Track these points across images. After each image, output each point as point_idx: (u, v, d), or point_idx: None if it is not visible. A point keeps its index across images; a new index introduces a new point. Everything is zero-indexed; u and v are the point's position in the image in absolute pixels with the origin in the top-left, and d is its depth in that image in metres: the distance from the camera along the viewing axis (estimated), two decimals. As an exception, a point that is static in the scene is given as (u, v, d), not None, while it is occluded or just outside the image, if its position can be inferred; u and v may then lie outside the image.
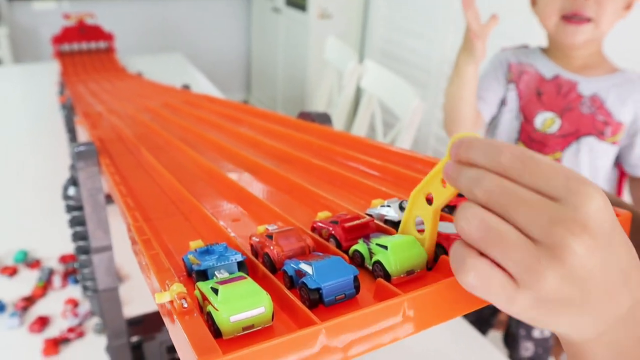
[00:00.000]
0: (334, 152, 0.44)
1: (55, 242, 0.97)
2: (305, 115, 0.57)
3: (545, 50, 1.03)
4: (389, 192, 0.33)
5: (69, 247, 0.94)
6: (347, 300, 0.23)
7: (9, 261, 0.92)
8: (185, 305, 0.21)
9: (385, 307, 0.21)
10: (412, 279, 0.25)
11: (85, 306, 0.82)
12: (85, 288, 0.56)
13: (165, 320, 0.22)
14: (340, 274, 0.23)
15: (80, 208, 0.50)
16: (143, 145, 0.54)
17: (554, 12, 0.92)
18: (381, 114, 1.68)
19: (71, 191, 0.49)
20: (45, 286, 0.87)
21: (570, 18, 0.90)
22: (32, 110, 1.62)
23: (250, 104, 3.74)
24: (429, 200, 0.26)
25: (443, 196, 0.25)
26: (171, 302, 0.21)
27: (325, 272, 0.23)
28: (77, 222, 0.51)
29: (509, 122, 1.04)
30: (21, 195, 1.14)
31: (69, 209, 0.50)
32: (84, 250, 0.53)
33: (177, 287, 0.21)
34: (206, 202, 0.34)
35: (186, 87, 1.04)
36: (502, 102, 1.05)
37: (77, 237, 0.52)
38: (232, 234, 0.28)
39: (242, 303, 0.20)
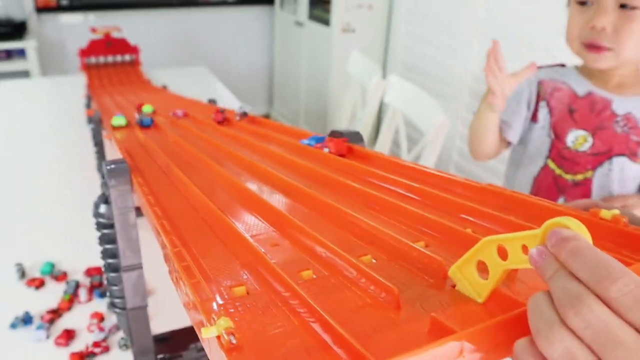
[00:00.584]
0: (369, 174, 0.43)
1: (81, 254, 0.97)
2: (336, 134, 0.56)
3: (579, 68, 1.01)
4: (430, 217, 0.32)
5: (95, 261, 0.94)
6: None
7: (36, 273, 0.93)
8: (234, 342, 0.20)
9: (443, 347, 0.20)
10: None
11: (110, 320, 0.82)
12: (113, 305, 0.55)
13: (211, 354, 0.21)
14: None
15: (110, 226, 0.50)
16: (173, 162, 0.54)
17: (575, 38, 0.92)
18: (405, 129, 1.67)
19: (102, 209, 0.49)
20: (71, 299, 0.87)
21: (590, 46, 0.89)
22: (59, 123, 1.65)
23: (273, 118, 3.75)
24: (501, 253, 0.24)
25: (520, 262, 0.24)
26: (218, 337, 0.20)
27: None
28: (107, 239, 0.51)
29: (540, 140, 1.02)
30: (48, 207, 1.15)
31: (100, 226, 0.50)
32: (113, 268, 0.52)
33: (225, 322, 0.20)
34: (242, 224, 0.34)
35: (212, 102, 1.05)
36: (533, 119, 1.03)
37: (106, 254, 0.52)
38: (273, 261, 0.27)
39: None
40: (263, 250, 0.27)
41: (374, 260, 0.27)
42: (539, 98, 1.02)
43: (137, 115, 0.82)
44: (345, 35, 2.83)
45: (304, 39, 3.16)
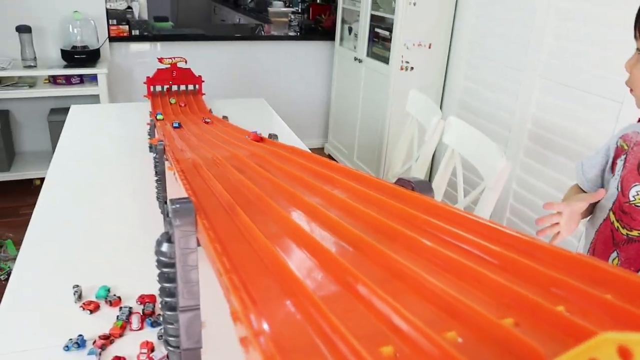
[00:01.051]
0: (441, 230, 0.41)
1: (136, 281, 0.98)
2: (403, 182, 0.54)
3: None
4: (516, 289, 0.30)
5: (149, 288, 0.95)
6: None
7: (92, 296, 0.95)
8: None
9: None
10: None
11: (160, 351, 0.82)
12: (167, 343, 0.55)
13: None
14: None
15: (171, 265, 0.49)
16: (236, 200, 0.54)
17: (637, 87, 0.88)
18: (462, 171, 1.63)
19: (164, 247, 0.49)
20: (123, 326, 0.87)
21: None
22: (124, 148, 1.70)
23: (326, 151, 3.77)
24: (623, 354, 0.21)
25: None
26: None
27: None
28: (166, 278, 0.50)
29: (611, 192, 0.97)
30: (109, 231, 1.18)
31: (160, 264, 0.50)
32: (170, 307, 0.52)
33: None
34: (311, 281, 0.32)
35: (273, 137, 1.05)
36: (611, 171, 0.99)
37: (164, 293, 0.52)
38: (343, 329, 0.25)
39: None
40: (337, 320, 0.26)
41: (459, 339, 0.24)
42: (620, 151, 0.98)
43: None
44: (403, 73, 2.83)
45: (363, 75, 3.18)
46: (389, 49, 2.85)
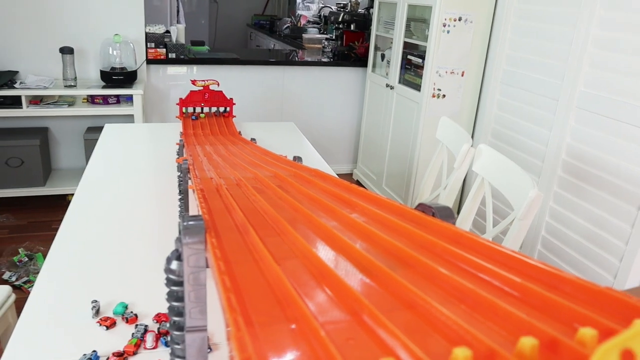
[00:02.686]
0: (460, 259, 0.39)
1: (154, 299, 0.98)
2: (424, 208, 0.52)
3: None
4: (536, 324, 0.27)
5: (165, 307, 0.94)
6: None
7: (109, 312, 0.94)
8: None
9: None
10: None
11: (171, 374, 0.80)
12: (174, 364, 0.53)
13: None
14: None
15: (180, 283, 0.48)
16: (250, 222, 0.52)
17: None
18: (491, 201, 1.58)
19: (174, 265, 0.48)
20: (137, 343, 0.86)
21: None
22: (152, 167, 1.72)
23: (355, 177, 3.75)
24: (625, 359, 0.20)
25: None
26: None
27: None
28: (175, 297, 0.49)
29: None
30: (131, 248, 1.18)
31: (169, 282, 0.49)
32: (178, 327, 0.50)
33: None
34: (315, 306, 0.30)
35: (298, 159, 1.04)
36: None
37: (172, 312, 0.50)
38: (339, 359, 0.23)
39: None
40: (334, 349, 0.24)
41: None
42: None
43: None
44: (435, 100, 2.81)
45: (394, 101, 3.17)
46: (421, 76, 2.84)
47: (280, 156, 1.19)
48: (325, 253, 0.41)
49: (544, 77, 2.30)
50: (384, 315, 0.28)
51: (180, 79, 3.27)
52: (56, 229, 1.27)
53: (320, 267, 0.37)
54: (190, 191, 1.04)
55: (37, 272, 2.33)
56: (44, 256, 2.42)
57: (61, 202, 3.00)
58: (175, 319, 0.50)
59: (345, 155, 3.88)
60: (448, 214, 0.50)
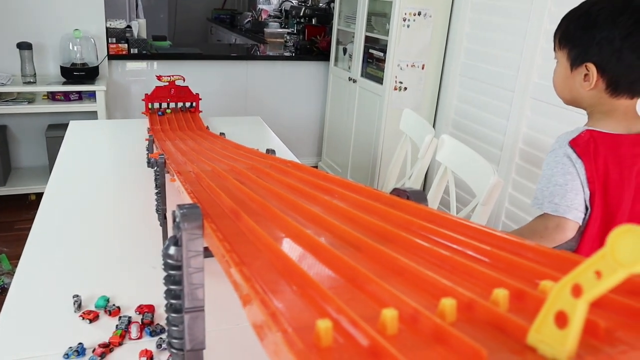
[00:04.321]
0: (436, 234, 0.44)
1: (135, 291, 1.00)
2: (399, 192, 0.57)
3: None
4: (506, 281, 0.32)
5: (147, 298, 0.97)
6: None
7: (92, 306, 0.96)
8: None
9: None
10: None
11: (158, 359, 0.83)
12: (170, 345, 0.56)
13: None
14: None
15: (178, 267, 0.51)
16: (241, 209, 0.56)
17: None
18: (454, 189, 1.66)
19: (172, 250, 0.51)
20: (122, 335, 0.89)
21: None
22: (119, 163, 1.72)
23: (320, 169, 3.80)
24: (575, 292, 0.25)
25: (597, 288, 0.24)
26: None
27: None
28: (173, 281, 0.52)
29: None
30: (108, 242, 1.19)
31: (167, 267, 0.52)
32: (175, 309, 0.54)
33: None
34: (316, 276, 0.34)
35: (271, 152, 1.08)
36: None
37: (170, 295, 0.53)
38: (347, 310, 0.28)
39: None
40: (342, 303, 0.28)
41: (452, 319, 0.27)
42: None
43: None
44: (397, 93, 2.89)
45: (357, 95, 3.24)
46: (382, 70, 2.91)
47: (253, 149, 1.23)
48: (315, 233, 0.46)
49: (500, 69, 2.40)
50: (379, 279, 0.32)
51: (142, 75, 3.24)
52: (20, 230, 1.27)
53: (314, 244, 0.41)
54: (167, 185, 1.07)
55: (2, 274, 2.29)
56: (9, 257, 2.38)
57: (23, 203, 2.94)
58: (173, 301, 0.53)
59: (310, 148, 3.93)
60: (421, 197, 0.55)
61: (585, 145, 1.00)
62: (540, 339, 0.25)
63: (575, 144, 1.02)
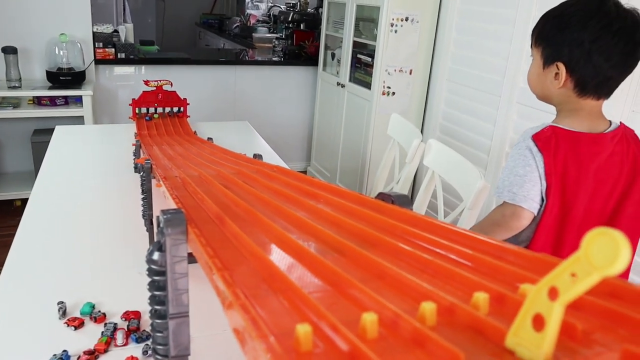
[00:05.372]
0: (419, 238, 0.44)
1: (120, 298, 0.99)
2: (384, 196, 0.57)
3: None
4: (487, 284, 0.33)
5: (133, 305, 0.96)
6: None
7: (76, 313, 0.95)
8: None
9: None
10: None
11: (144, 367, 0.82)
12: (155, 352, 0.56)
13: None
14: None
15: (162, 273, 0.51)
16: (226, 214, 0.56)
17: None
18: (442, 193, 1.67)
19: (156, 256, 0.51)
20: (108, 341, 0.88)
21: None
22: (106, 168, 1.71)
23: (309, 174, 3.80)
24: (552, 295, 0.25)
25: (573, 291, 0.24)
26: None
27: None
28: (157, 286, 0.52)
29: None
30: (93, 249, 1.18)
31: (151, 272, 0.52)
32: (160, 315, 0.53)
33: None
34: (298, 281, 0.35)
35: (258, 157, 1.08)
36: None
37: (154, 301, 0.53)
38: (329, 315, 0.28)
39: None
40: (323, 309, 0.28)
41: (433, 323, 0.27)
42: None
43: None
44: (385, 97, 2.90)
45: (345, 99, 3.24)
46: (371, 75, 2.92)
47: (240, 154, 1.23)
48: (299, 238, 0.46)
49: (486, 74, 2.42)
50: (361, 284, 0.32)
51: (129, 79, 3.22)
52: (4, 236, 1.26)
53: (298, 249, 0.41)
54: (153, 190, 1.06)
55: (-14, 281, 2.25)
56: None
57: (8, 208, 2.90)
58: (157, 307, 0.53)
59: (298, 152, 3.93)
60: (405, 201, 0.55)
61: (546, 140, 1.04)
62: (518, 342, 0.26)
63: (537, 138, 1.05)
